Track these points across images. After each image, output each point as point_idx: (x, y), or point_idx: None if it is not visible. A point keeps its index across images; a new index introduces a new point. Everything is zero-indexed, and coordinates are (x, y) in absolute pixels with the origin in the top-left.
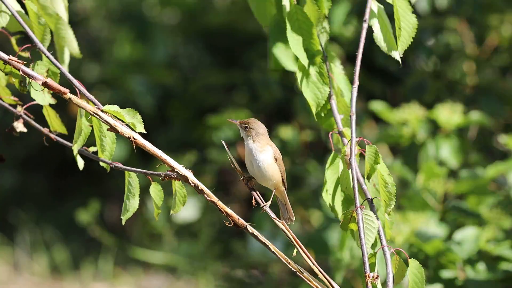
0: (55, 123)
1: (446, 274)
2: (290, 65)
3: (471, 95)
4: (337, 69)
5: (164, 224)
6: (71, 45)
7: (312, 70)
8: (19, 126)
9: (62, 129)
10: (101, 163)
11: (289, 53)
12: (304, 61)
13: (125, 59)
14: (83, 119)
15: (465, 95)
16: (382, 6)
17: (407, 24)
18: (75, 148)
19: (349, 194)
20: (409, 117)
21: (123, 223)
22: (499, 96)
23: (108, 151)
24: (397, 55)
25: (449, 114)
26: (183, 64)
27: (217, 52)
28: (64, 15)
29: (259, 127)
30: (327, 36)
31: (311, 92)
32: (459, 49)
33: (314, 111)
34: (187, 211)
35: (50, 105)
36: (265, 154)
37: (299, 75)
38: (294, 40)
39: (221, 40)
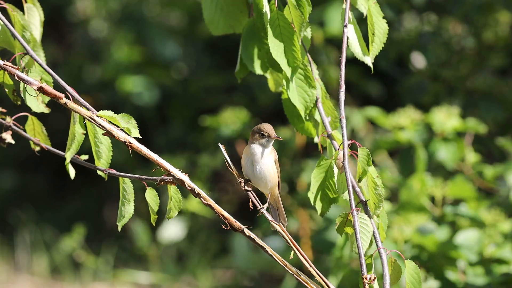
0: (40, 136)
1: (448, 276)
2: (258, 69)
3: (470, 99)
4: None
5: (150, 245)
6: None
7: (296, 75)
8: (8, 138)
9: (47, 143)
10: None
11: (258, 57)
12: (286, 68)
13: (125, 60)
14: (77, 126)
15: (464, 98)
16: (352, 13)
17: (379, 30)
18: (68, 155)
19: (329, 194)
20: (405, 122)
21: (119, 229)
22: (498, 100)
23: (104, 159)
24: (369, 60)
25: (445, 118)
26: (183, 65)
27: (217, 53)
28: (38, 29)
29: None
30: (309, 42)
31: (299, 96)
32: (457, 49)
33: (302, 114)
34: (172, 230)
35: (39, 118)
36: (267, 157)
37: (285, 80)
38: (276, 46)
39: (221, 41)
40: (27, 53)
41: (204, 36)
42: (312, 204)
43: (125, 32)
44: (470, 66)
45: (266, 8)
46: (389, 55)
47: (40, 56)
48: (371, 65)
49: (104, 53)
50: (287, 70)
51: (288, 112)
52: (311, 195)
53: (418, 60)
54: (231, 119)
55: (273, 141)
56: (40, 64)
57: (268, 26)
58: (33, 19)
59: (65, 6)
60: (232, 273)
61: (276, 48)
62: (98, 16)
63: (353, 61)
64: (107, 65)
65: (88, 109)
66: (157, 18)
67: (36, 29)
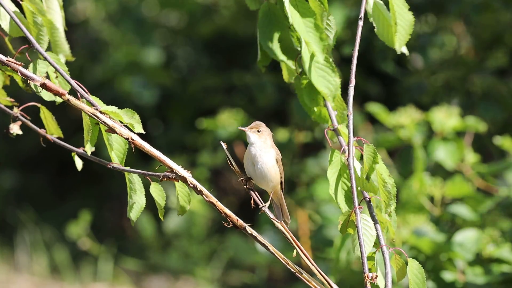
0: (51, 125)
1: (446, 276)
2: (281, 55)
3: (469, 99)
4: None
5: (154, 235)
6: (62, 48)
7: (322, 58)
8: (15, 128)
9: (58, 132)
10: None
11: (278, 44)
12: (315, 46)
13: (124, 60)
14: (88, 118)
15: (463, 99)
16: (381, 2)
17: (403, 21)
18: (88, 148)
19: (348, 190)
20: (406, 121)
21: (134, 222)
22: (497, 101)
23: (119, 151)
24: (404, 49)
25: (445, 117)
26: (182, 66)
27: (216, 53)
28: (59, 13)
29: (267, 130)
30: (333, 33)
31: (324, 80)
32: (455, 50)
33: (331, 101)
34: (175, 220)
35: (48, 107)
36: (268, 156)
37: (306, 63)
38: (302, 25)
39: (220, 42)
40: (33, 45)
41: (203, 36)
42: (336, 202)
43: (124, 32)
44: (469, 66)
45: None
46: (388, 55)
47: (61, 38)
48: (407, 52)
49: (104, 53)
50: (317, 48)
51: (307, 100)
52: (332, 194)
53: (417, 60)
54: (228, 121)
55: (258, 133)
56: (45, 58)
57: (292, 8)
58: (51, 3)
59: (65, 7)
60: (230, 271)
61: (303, 26)
62: (97, 16)
63: (348, 61)
64: (107, 65)
65: (93, 105)
66: (156, 19)
67: (56, 13)
